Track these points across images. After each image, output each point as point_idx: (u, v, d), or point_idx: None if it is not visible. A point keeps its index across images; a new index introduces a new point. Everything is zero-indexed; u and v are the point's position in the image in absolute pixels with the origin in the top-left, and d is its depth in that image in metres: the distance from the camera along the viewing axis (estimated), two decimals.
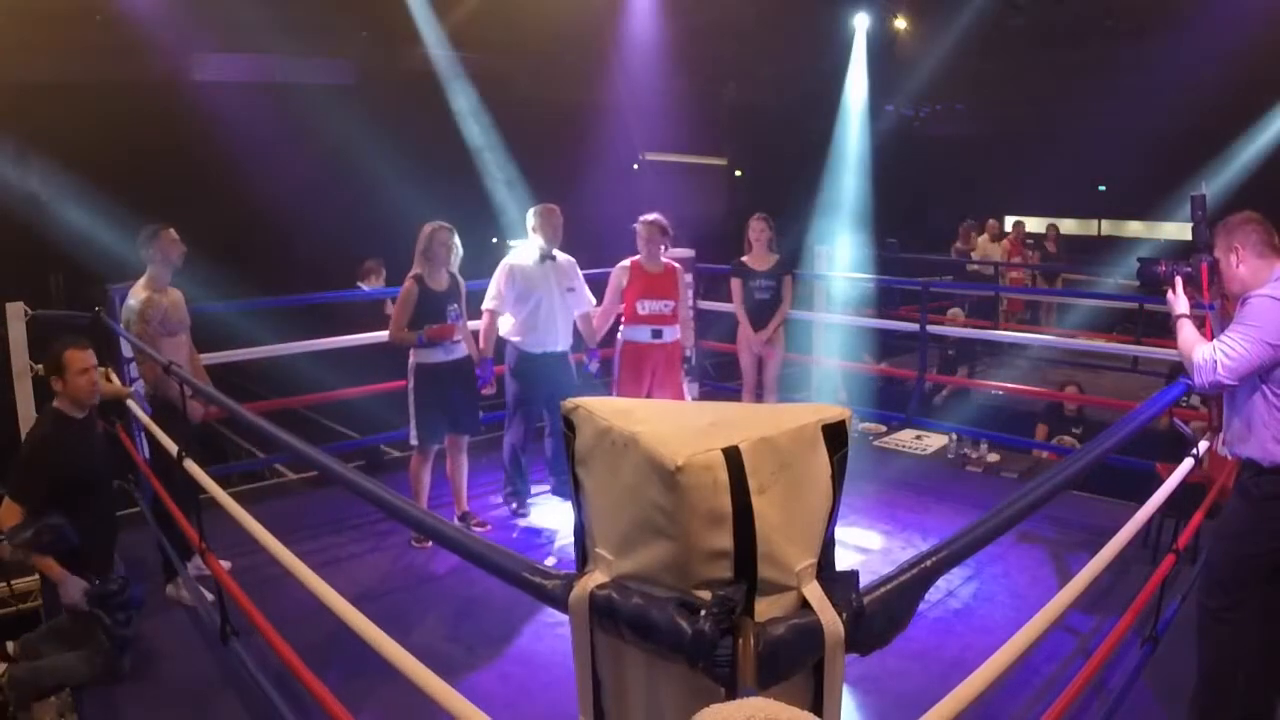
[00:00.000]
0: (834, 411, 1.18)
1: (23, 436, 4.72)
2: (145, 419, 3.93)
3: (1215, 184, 10.51)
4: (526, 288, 4.86)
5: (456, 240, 4.67)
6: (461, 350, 4.73)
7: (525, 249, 4.97)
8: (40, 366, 4.82)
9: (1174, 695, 3.09)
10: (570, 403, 1.24)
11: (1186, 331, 2.82)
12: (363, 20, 10.04)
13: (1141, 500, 3.24)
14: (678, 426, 1.12)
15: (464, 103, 10.36)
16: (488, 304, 4.91)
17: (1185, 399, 4.01)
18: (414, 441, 4.68)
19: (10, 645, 3.52)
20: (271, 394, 6.67)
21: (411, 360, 4.65)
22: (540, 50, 10.73)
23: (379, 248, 6.49)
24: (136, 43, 8.31)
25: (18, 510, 3.31)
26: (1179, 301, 2.92)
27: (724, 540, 1.05)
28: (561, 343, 4.99)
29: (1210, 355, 2.64)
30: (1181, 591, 3.60)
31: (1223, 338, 2.66)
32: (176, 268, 4.31)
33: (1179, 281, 2.94)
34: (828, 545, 1.16)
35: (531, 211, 4.98)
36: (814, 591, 1.10)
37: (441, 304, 4.59)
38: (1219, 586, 2.78)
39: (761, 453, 1.07)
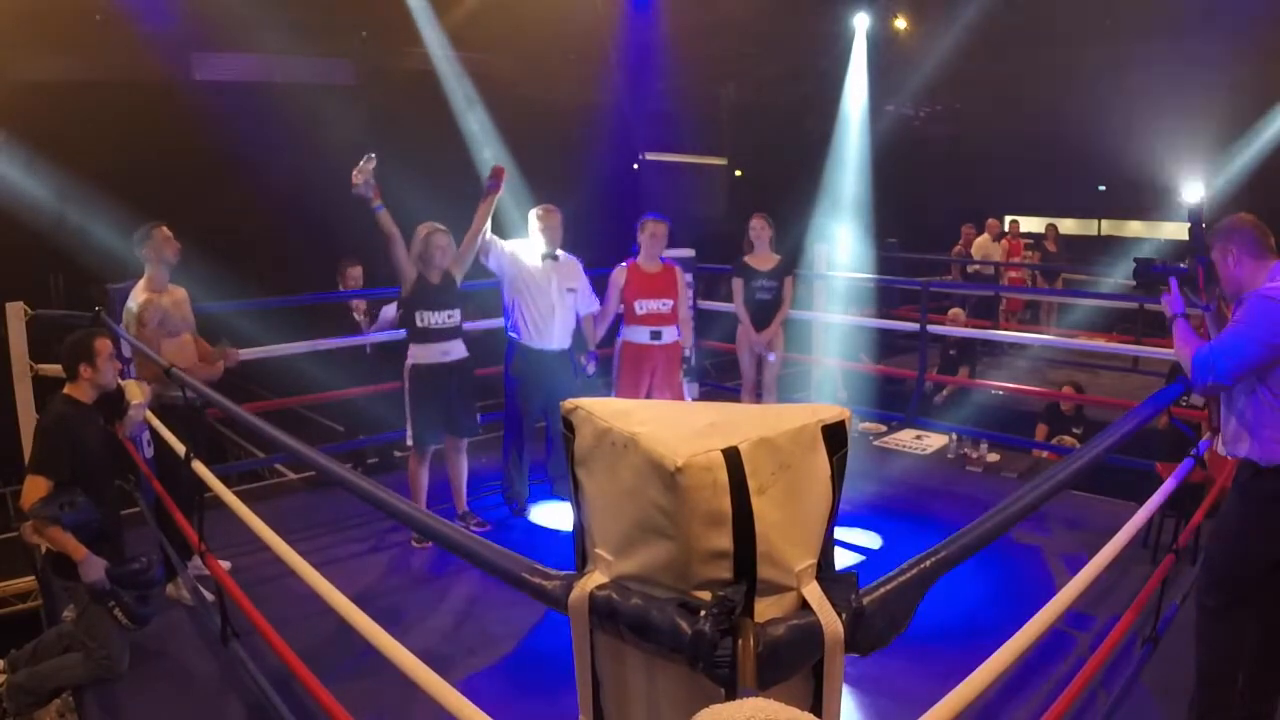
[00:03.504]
0: (833, 412, 1.18)
1: (23, 437, 4.74)
2: (152, 420, 3.93)
3: (1215, 184, 10.53)
4: (523, 280, 4.87)
5: (451, 241, 4.69)
6: (459, 352, 4.74)
7: (525, 246, 4.97)
8: (40, 366, 4.85)
9: (1174, 695, 3.09)
10: (570, 404, 1.24)
11: (1182, 332, 2.82)
12: (363, 20, 10.04)
13: (1141, 500, 3.24)
14: (677, 427, 1.12)
15: (463, 102, 10.36)
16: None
17: (1185, 398, 4.01)
18: (409, 442, 4.68)
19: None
20: (271, 394, 6.68)
21: (408, 362, 4.66)
22: (540, 50, 10.72)
23: (355, 249, 6.48)
24: (136, 43, 8.31)
25: (44, 483, 3.27)
26: (1174, 301, 2.92)
27: (724, 541, 1.05)
28: (559, 342, 4.98)
29: (1206, 356, 2.64)
30: (1181, 591, 3.60)
31: (1219, 338, 2.66)
32: (173, 265, 4.30)
33: (1174, 282, 2.94)
34: (827, 546, 1.16)
35: (532, 213, 4.99)
36: (814, 592, 1.10)
37: (435, 291, 4.62)
38: (1217, 586, 2.78)
39: (761, 453, 1.07)
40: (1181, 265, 2.95)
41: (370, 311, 6.35)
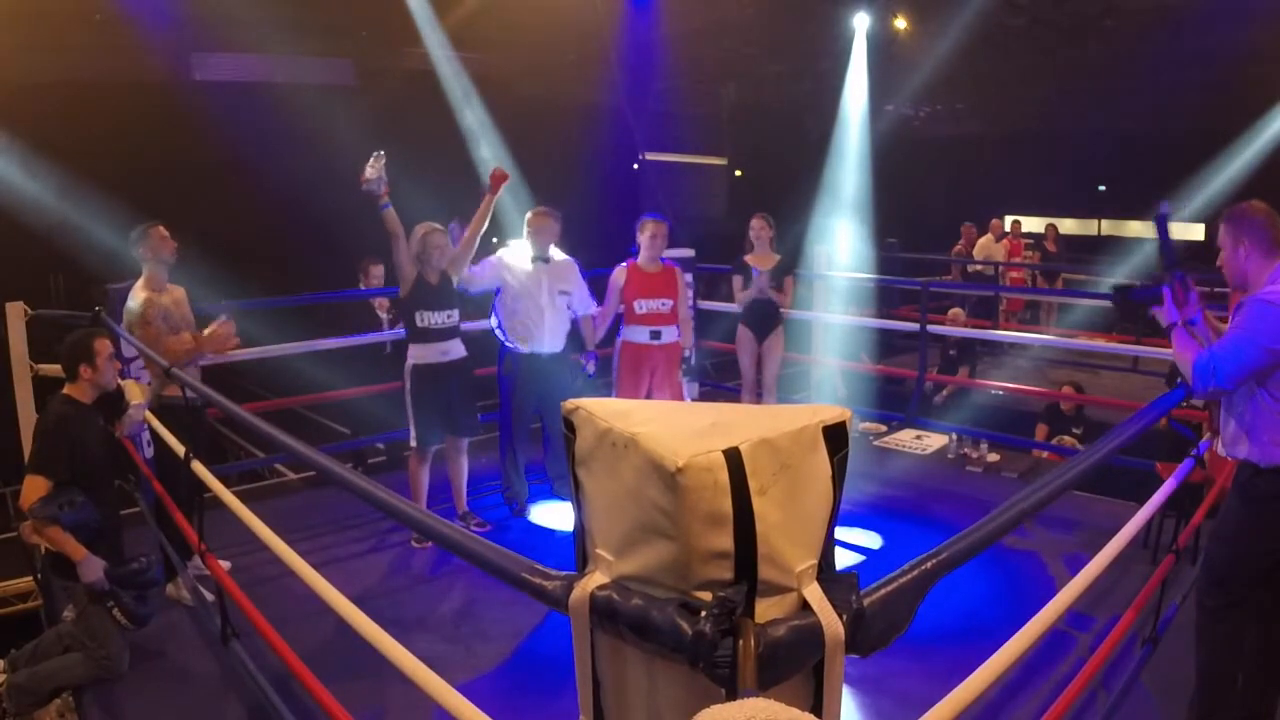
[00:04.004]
0: (834, 412, 1.18)
1: (23, 437, 4.73)
2: (152, 420, 3.92)
3: (1215, 184, 10.53)
4: (513, 287, 4.87)
5: (448, 240, 4.69)
6: (458, 351, 4.74)
7: (519, 248, 4.97)
8: (40, 366, 4.84)
9: (1174, 695, 3.09)
10: (570, 404, 1.24)
11: (1181, 339, 2.80)
12: (363, 20, 10.05)
13: (1141, 500, 3.24)
14: (678, 428, 1.12)
15: (463, 102, 10.36)
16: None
17: (1186, 400, 4.00)
18: (414, 443, 4.68)
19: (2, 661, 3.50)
20: (271, 394, 6.67)
21: (408, 363, 4.66)
22: (540, 50, 10.73)
23: (378, 248, 6.49)
24: (136, 43, 8.31)
25: (43, 483, 3.27)
26: (1169, 311, 2.89)
27: (724, 541, 1.04)
28: (549, 345, 4.97)
29: (1207, 361, 2.62)
30: (1181, 591, 3.60)
31: (1219, 343, 2.65)
32: (170, 264, 4.29)
33: (1166, 292, 2.91)
34: (828, 546, 1.16)
35: (526, 215, 4.99)
36: (814, 593, 1.10)
37: (433, 292, 4.61)
38: (1217, 586, 2.78)
39: (762, 454, 1.07)
40: (1160, 284, 2.93)
41: (395, 310, 6.33)
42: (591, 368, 5.27)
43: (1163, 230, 2.94)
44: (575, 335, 5.15)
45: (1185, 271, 2.86)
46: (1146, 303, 2.95)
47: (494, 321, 5.01)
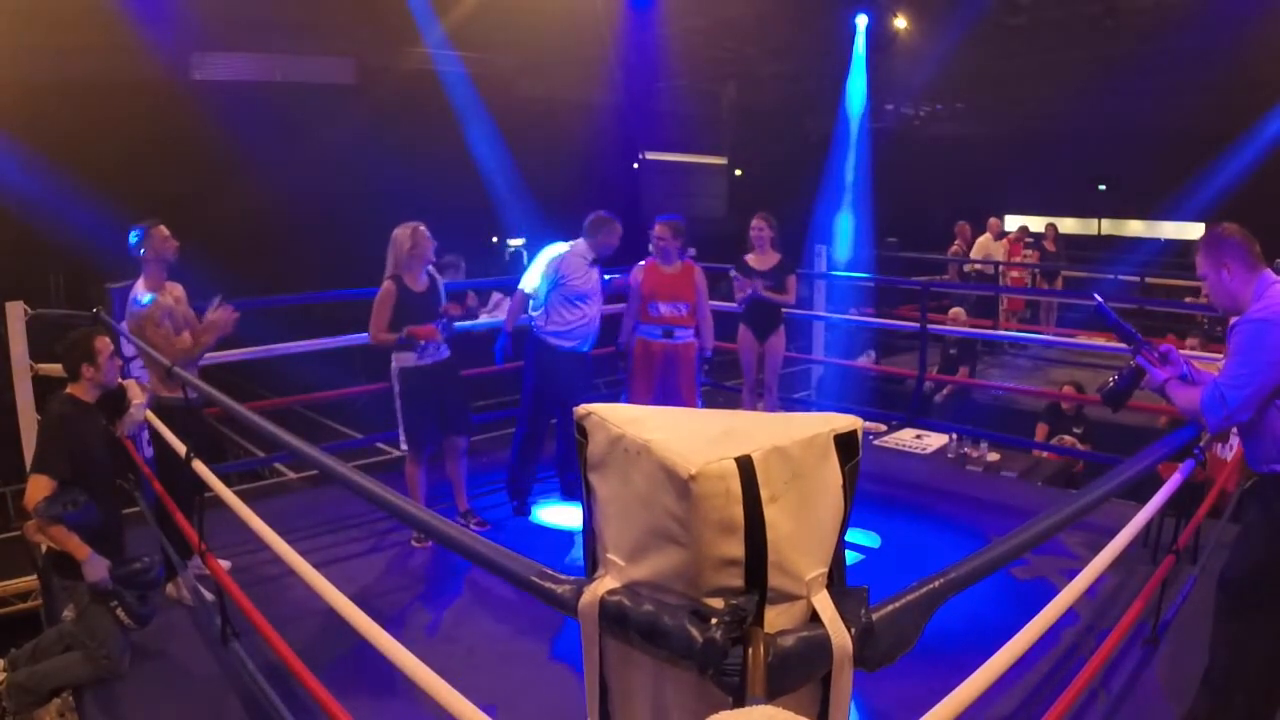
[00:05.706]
0: (845, 421, 1.18)
1: (23, 436, 4.74)
2: (152, 419, 3.92)
3: (1214, 184, 10.53)
4: (574, 289, 4.90)
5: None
6: (445, 352, 4.66)
7: (576, 252, 4.96)
8: (40, 366, 4.84)
9: (1174, 696, 3.10)
10: (583, 409, 1.24)
11: (1176, 388, 2.79)
12: (363, 19, 10.05)
13: (1142, 500, 3.24)
14: (690, 435, 1.12)
15: (463, 102, 10.37)
16: (525, 285, 4.96)
17: (1197, 438, 3.98)
18: (403, 446, 4.66)
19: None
20: (271, 394, 6.67)
21: (395, 365, 4.57)
22: (540, 50, 10.74)
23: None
24: (136, 43, 8.31)
25: (46, 482, 3.27)
26: (1154, 373, 2.87)
27: (735, 549, 1.05)
28: (590, 344, 5.05)
29: (1213, 392, 2.60)
30: (1182, 591, 3.60)
31: (1222, 374, 2.63)
32: (171, 264, 4.28)
33: (1142, 361, 2.90)
34: (838, 555, 1.17)
35: (591, 218, 4.99)
36: (824, 603, 1.10)
37: (422, 304, 4.54)
38: (1237, 586, 2.78)
39: (774, 462, 1.07)
40: (1137, 357, 2.94)
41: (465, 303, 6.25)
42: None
43: (1108, 316, 2.97)
44: None
45: (1147, 340, 2.90)
46: (1134, 382, 2.95)
47: (544, 324, 4.97)
